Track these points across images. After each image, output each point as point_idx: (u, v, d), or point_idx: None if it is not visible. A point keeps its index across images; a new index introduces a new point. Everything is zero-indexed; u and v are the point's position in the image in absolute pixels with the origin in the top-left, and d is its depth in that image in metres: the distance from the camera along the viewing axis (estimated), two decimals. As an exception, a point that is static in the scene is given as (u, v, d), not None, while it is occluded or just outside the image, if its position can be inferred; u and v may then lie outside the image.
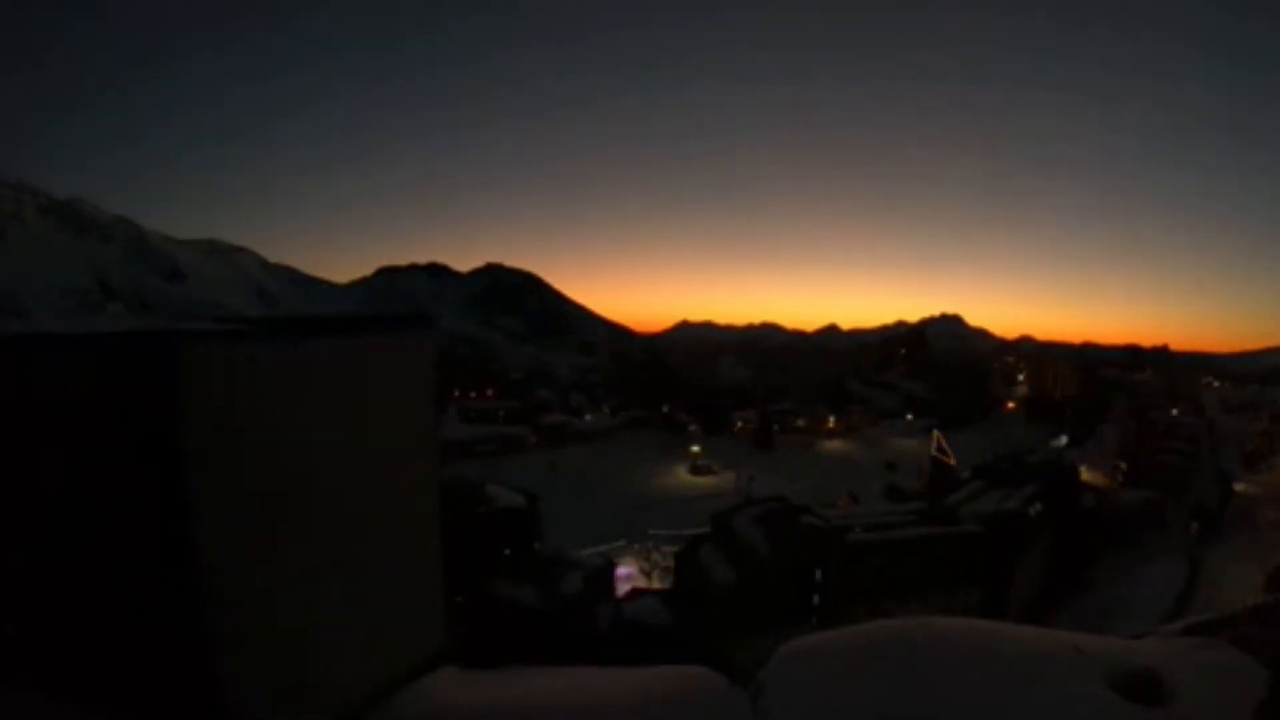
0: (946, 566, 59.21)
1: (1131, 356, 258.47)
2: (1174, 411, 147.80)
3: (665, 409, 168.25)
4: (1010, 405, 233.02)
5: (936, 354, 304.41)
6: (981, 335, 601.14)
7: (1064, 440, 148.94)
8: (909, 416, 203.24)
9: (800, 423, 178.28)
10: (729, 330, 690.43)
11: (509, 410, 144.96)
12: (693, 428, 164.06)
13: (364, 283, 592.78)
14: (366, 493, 21.32)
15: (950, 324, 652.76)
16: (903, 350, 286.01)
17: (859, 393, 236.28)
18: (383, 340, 23.15)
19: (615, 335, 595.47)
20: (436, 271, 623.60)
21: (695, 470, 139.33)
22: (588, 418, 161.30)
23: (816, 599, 52.33)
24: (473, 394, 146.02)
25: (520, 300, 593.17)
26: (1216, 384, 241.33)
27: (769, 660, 19.83)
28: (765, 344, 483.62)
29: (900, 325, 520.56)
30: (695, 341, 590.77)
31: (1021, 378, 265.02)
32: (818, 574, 52.86)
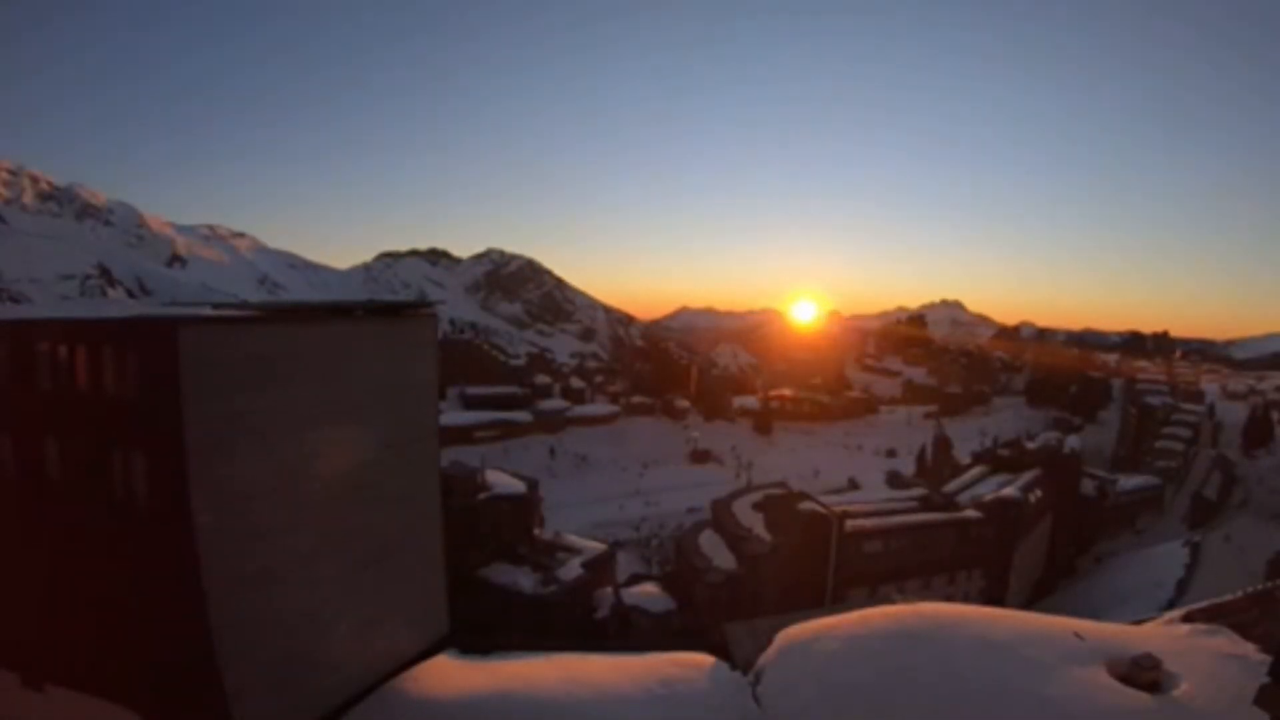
0: (946, 553, 59.27)
1: (1132, 342, 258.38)
2: (1174, 398, 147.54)
3: (665, 395, 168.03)
4: (1011, 391, 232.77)
5: (937, 340, 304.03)
6: (982, 321, 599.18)
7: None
8: (909, 403, 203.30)
9: (800, 409, 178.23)
10: (729, 316, 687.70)
11: (509, 396, 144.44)
12: (693, 414, 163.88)
13: (364, 268, 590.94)
14: (367, 478, 21.34)
15: (950, 310, 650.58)
16: (903, 336, 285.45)
17: (859, 379, 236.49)
18: (383, 326, 23.12)
19: (615, 321, 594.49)
20: (436, 257, 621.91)
21: (695, 456, 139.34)
22: (588, 404, 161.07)
23: (816, 585, 52.38)
24: (473, 379, 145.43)
25: (520, 286, 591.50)
26: (1217, 370, 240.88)
27: (769, 646, 19.88)
28: (765, 330, 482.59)
29: (900, 311, 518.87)
30: (695, 327, 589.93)
31: (1022, 364, 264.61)
32: (817, 560, 52.89)
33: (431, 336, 24.89)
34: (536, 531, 54.83)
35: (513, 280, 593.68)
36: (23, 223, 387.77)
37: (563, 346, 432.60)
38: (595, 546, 54.09)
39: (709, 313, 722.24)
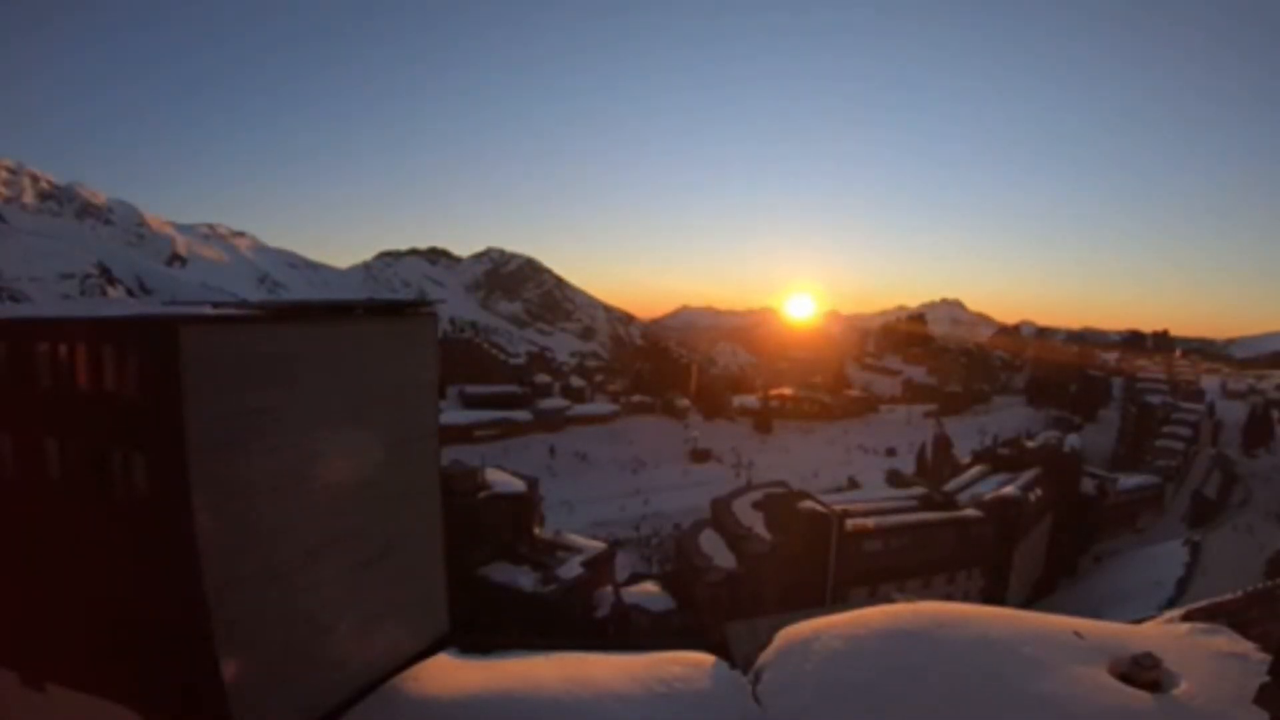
0: (947, 552, 59.32)
1: (1132, 341, 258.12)
2: (1174, 396, 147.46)
3: (665, 394, 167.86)
4: (1011, 390, 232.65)
5: (937, 339, 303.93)
6: (982, 320, 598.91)
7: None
8: (909, 402, 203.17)
9: (800, 408, 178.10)
10: (729, 315, 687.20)
11: (509, 395, 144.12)
12: (693, 413, 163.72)
13: (364, 267, 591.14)
14: (368, 477, 21.33)
15: (951, 309, 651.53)
16: (903, 335, 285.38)
17: (859, 378, 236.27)
18: (383, 325, 23.11)
19: (615, 320, 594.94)
20: (436, 256, 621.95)
21: (695, 455, 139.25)
22: (588, 403, 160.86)
23: (816, 584, 52.41)
24: (473, 378, 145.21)
25: (520, 285, 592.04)
26: (1217, 368, 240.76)
27: (769, 645, 19.88)
28: (765, 329, 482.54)
29: (900, 310, 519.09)
30: (695, 326, 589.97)
31: (1022, 363, 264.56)
32: (818, 559, 52.92)
33: (431, 335, 24.88)
34: (536, 530, 54.87)
35: (512, 279, 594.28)
36: (23, 222, 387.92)
37: (563, 345, 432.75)
38: (595, 545, 54.11)
39: (709, 311, 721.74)
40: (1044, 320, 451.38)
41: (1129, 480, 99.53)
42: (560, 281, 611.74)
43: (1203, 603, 19.43)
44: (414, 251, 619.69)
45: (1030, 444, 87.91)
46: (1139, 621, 19.89)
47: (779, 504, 57.58)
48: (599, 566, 51.10)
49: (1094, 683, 14.74)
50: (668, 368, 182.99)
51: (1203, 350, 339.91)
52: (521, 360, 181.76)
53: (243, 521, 17.54)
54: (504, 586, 45.91)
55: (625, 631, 48.37)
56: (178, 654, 17.45)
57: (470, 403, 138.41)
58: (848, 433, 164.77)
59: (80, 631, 19.12)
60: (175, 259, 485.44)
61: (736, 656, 21.60)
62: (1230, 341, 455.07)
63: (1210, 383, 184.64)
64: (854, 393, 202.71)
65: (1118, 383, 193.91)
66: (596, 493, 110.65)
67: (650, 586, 56.31)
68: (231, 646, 17.23)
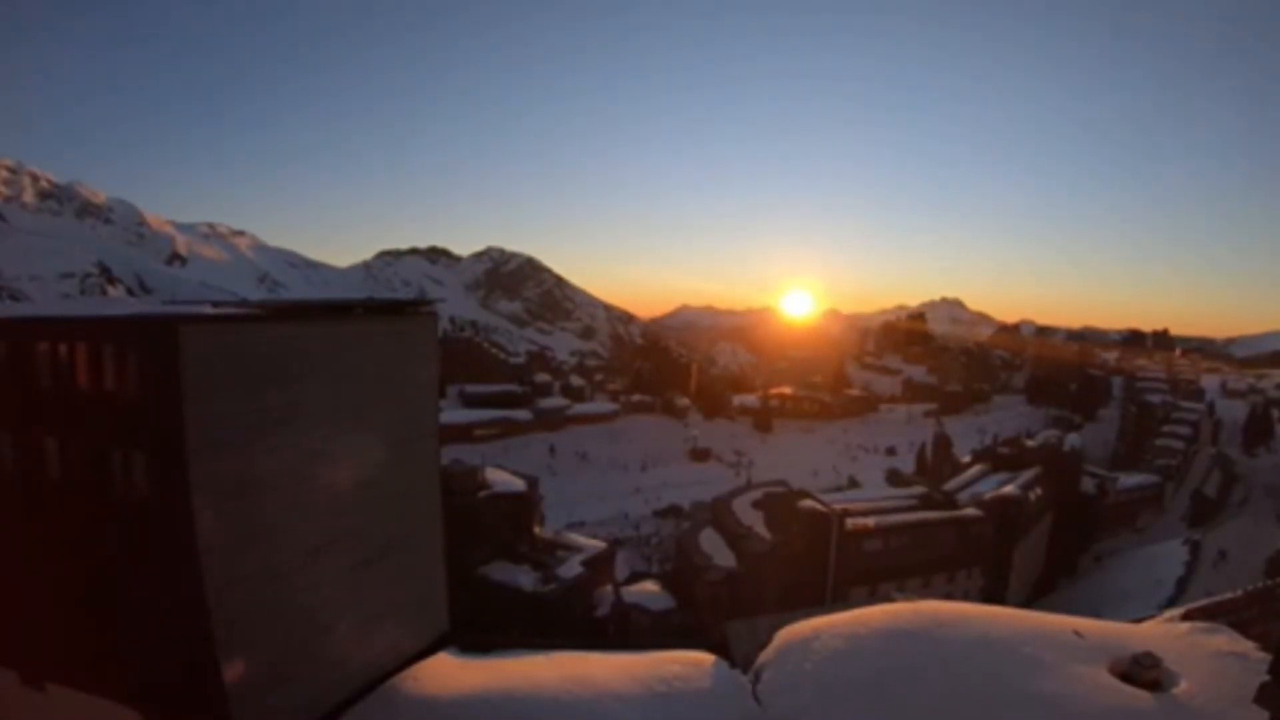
0: (947, 551, 59.26)
1: (1132, 340, 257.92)
2: (1174, 396, 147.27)
3: (665, 393, 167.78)
4: (1011, 389, 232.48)
5: (937, 338, 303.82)
6: (982, 319, 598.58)
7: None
8: (909, 401, 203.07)
9: (800, 407, 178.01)
10: (729, 314, 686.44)
11: (509, 394, 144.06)
12: (693, 412, 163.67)
13: (364, 266, 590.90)
14: (368, 476, 21.33)
15: (951, 308, 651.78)
16: (903, 334, 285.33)
17: (859, 377, 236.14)
18: (383, 325, 23.10)
19: (615, 319, 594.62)
20: (436, 255, 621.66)
21: (695, 455, 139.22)
22: (588, 402, 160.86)
23: (816, 584, 52.38)
24: (473, 378, 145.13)
25: (520, 284, 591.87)
26: (1217, 368, 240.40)
27: (769, 645, 19.89)
28: (765, 328, 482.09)
29: (900, 309, 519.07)
30: (695, 325, 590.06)
31: (1022, 362, 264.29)
32: (818, 559, 52.88)
33: (431, 335, 24.89)
34: (536, 530, 54.87)
35: (512, 278, 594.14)
36: (23, 221, 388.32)
37: (563, 344, 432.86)
38: (595, 545, 54.12)
39: (709, 311, 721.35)
40: (1044, 319, 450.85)
41: (1129, 479, 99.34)
42: (560, 281, 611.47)
43: (1202, 602, 19.43)
44: (414, 251, 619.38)
45: (1030, 443, 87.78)
46: (1139, 621, 19.88)
47: (779, 503, 57.57)
48: (599, 566, 51.11)
49: (1094, 682, 14.74)
50: (668, 367, 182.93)
51: (1203, 350, 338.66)
52: (521, 359, 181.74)
53: (243, 521, 17.54)
54: (504, 586, 45.91)
55: (625, 631, 48.40)
56: (178, 654, 17.45)
57: (470, 402, 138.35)
58: (848, 432, 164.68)
59: (80, 631, 19.11)
60: (175, 258, 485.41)
61: (736, 656, 21.61)
62: (1230, 341, 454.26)
63: (1210, 382, 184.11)
64: (854, 392, 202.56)
65: (1118, 382, 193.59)
66: (596, 492, 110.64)
67: (650, 586, 56.33)
68: (231, 646, 17.23)
